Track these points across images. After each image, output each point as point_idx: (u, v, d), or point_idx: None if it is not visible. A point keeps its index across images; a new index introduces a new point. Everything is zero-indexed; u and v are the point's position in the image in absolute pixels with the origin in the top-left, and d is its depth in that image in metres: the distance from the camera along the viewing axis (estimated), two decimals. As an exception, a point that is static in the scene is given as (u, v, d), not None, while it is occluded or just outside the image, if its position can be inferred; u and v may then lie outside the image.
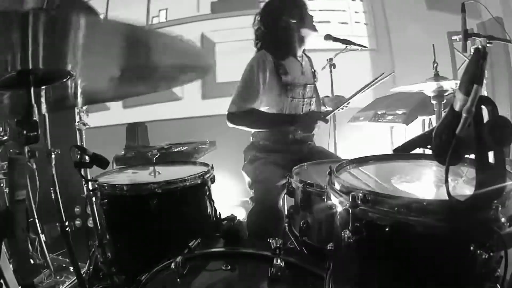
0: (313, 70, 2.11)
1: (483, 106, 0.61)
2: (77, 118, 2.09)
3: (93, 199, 1.31)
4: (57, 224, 1.56)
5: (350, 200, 0.73)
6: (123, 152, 2.75)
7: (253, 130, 2.02)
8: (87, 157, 1.23)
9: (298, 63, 2.00)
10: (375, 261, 0.73)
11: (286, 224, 1.52)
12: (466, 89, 0.60)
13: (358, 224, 0.72)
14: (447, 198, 0.62)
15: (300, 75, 1.97)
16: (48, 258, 2.13)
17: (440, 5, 3.28)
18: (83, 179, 1.27)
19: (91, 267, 1.59)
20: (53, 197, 1.57)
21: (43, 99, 0.99)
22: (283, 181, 1.62)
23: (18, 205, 0.93)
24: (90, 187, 1.29)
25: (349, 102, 1.92)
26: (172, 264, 1.00)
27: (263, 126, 1.95)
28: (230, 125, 1.92)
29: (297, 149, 2.00)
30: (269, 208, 1.66)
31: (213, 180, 1.60)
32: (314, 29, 1.94)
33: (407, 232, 0.67)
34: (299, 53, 2.01)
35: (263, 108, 1.95)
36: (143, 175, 1.73)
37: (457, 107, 0.62)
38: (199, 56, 1.00)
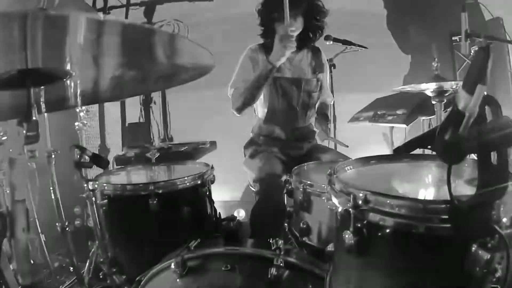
0: (313, 64, 2.06)
1: (486, 106, 0.60)
2: (77, 118, 2.10)
3: (93, 199, 1.31)
4: (57, 224, 1.55)
5: (351, 200, 0.72)
6: (123, 152, 2.75)
7: (256, 119, 2.06)
8: (87, 157, 1.23)
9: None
10: (376, 262, 0.73)
11: (286, 224, 1.52)
12: (470, 88, 0.59)
13: (359, 225, 0.71)
14: (448, 198, 0.62)
15: (287, 70, 1.97)
16: (48, 258, 2.13)
17: (441, 5, 3.27)
18: (83, 179, 1.27)
19: (91, 267, 1.59)
20: (53, 197, 1.57)
21: (43, 99, 0.99)
22: (285, 177, 1.61)
23: (18, 205, 0.93)
24: (90, 187, 1.29)
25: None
26: (172, 264, 0.99)
27: (253, 88, 1.83)
28: (235, 110, 1.92)
29: (298, 146, 2.01)
30: (275, 203, 1.64)
31: (213, 180, 1.59)
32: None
33: (408, 232, 0.66)
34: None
35: (258, 103, 2.00)
36: (143, 175, 1.73)
37: (460, 106, 0.62)
38: (199, 56, 1.00)
